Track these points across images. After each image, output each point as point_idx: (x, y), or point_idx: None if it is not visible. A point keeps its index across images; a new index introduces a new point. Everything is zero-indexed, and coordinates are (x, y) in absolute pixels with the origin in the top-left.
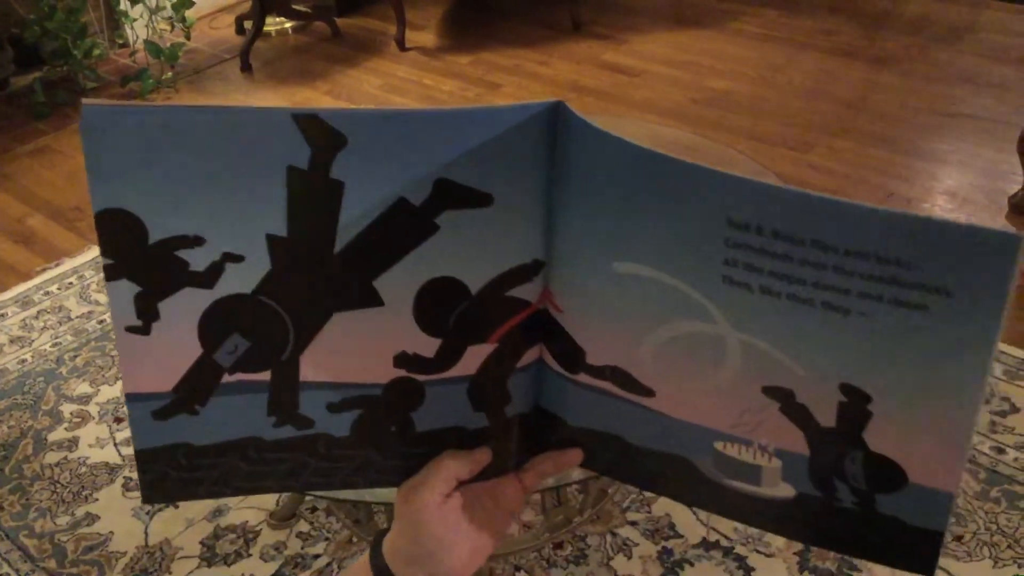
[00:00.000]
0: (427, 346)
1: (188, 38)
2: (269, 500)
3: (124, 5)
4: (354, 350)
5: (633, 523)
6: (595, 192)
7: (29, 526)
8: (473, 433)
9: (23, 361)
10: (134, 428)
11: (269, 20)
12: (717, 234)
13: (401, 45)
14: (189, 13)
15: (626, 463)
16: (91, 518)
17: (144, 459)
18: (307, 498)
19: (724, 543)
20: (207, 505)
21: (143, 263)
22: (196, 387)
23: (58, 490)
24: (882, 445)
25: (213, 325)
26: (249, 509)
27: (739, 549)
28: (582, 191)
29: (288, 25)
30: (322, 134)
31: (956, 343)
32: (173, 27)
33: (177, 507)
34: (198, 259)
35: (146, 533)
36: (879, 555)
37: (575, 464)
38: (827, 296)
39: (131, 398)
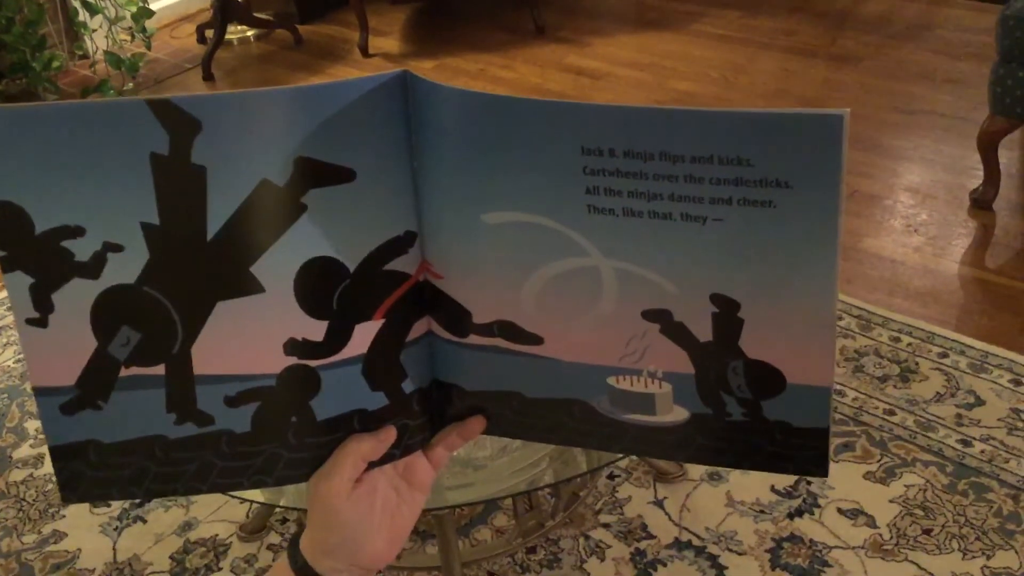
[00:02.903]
0: (315, 330)
1: (149, 48)
2: (239, 513)
3: (83, 16)
4: (243, 340)
5: (606, 525)
6: (453, 150)
7: None
8: (375, 414)
9: None
10: (44, 423)
11: (231, 28)
12: (574, 164)
13: (364, 51)
14: (149, 23)
15: (527, 419)
16: (58, 535)
17: (58, 455)
18: (277, 510)
19: (696, 543)
20: (176, 519)
21: (33, 254)
22: (96, 381)
23: (24, 508)
24: (758, 351)
25: (103, 316)
26: (219, 522)
27: (711, 548)
28: (441, 152)
29: (250, 33)
30: (177, 119)
31: (804, 235)
32: (133, 37)
33: (145, 522)
34: (82, 249)
35: (114, 549)
36: (775, 463)
37: (480, 432)
38: (683, 207)
39: (38, 392)
